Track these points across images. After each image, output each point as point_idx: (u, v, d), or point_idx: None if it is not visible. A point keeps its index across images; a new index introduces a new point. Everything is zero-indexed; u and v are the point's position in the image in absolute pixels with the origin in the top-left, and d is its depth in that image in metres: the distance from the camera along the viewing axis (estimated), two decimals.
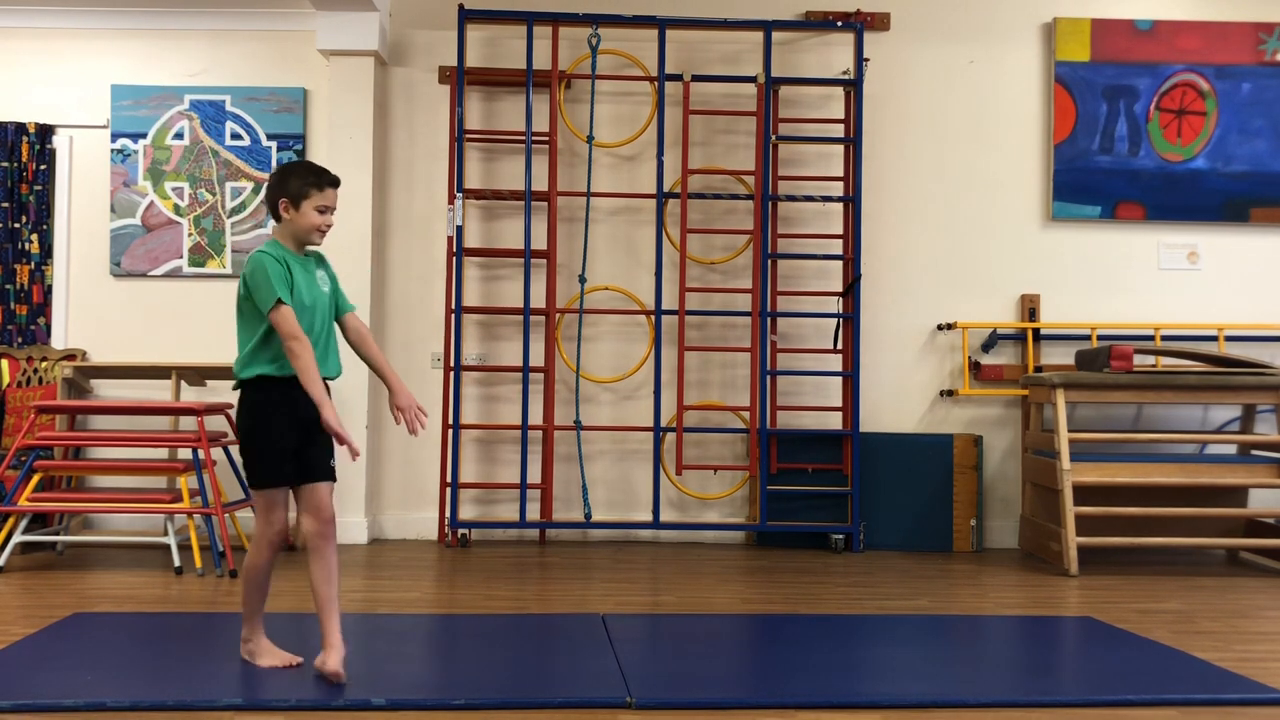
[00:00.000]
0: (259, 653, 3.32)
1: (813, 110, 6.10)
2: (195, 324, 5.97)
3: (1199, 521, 5.52)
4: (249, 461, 3.25)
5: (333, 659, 3.12)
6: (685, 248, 5.85)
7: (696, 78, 5.90)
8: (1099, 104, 6.05)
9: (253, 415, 3.23)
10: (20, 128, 5.95)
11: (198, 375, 5.68)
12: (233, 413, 5.51)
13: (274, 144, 6.00)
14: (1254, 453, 5.73)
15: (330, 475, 3.29)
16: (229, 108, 6.01)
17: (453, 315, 5.81)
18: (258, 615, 3.34)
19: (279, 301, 3.10)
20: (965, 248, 6.08)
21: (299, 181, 3.21)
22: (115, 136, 5.99)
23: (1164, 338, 6.02)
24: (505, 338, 6.02)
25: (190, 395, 5.87)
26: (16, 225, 5.94)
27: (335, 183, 3.29)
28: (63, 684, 3.07)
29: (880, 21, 6.07)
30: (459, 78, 5.79)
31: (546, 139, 5.90)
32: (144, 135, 5.99)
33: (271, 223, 3.37)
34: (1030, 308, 6.04)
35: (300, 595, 4.49)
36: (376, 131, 5.91)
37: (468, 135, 5.90)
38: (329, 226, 3.28)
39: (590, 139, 5.84)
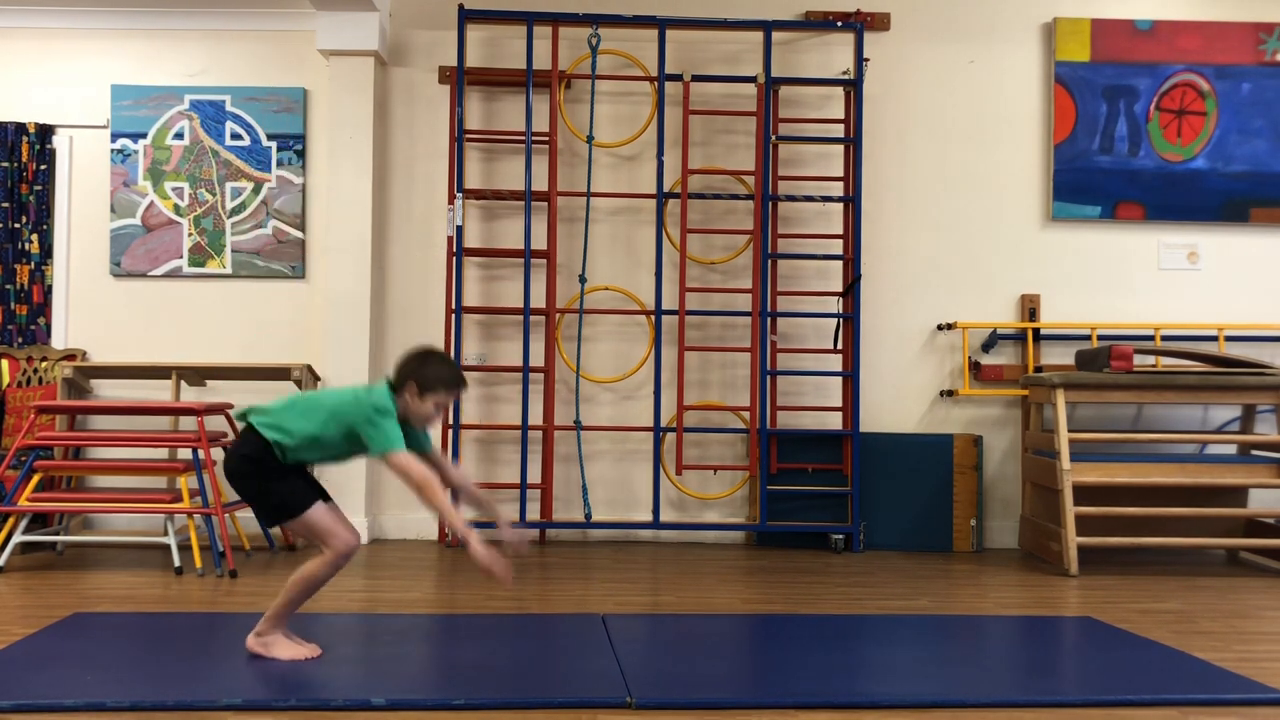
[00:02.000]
0: (274, 644, 3.34)
1: (813, 110, 6.10)
2: (195, 324, 5.97)
3: (1199, 521, 5.52)
4: (272, 502, 3.31)
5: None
6: (685, 248, 5.85)
7: (696, 78, 5.90)
8: (1099, 104, 6.05)
9: (269, 472, 3.28)
10: (20, 128, 5.95)
11: (198, 375, 5.68)
12: (233, 412, 5.53)
13: (274, 144, 6.00)
14: (1254, 453, 5.73)
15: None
16: (229, 108, 6.01)
17: (453, 315, 5.81)
18: (287, 617, 3.38)
19: (394, 453, 3.19)
20: (965, 248, 6.08)
21: (438, 379, 3.27)
22: (115, 136, 5.99)
23: (1164, 338, 6.02)
24: (505, 338, 6.02)
25: (190, 395, 5.86)
26: (16, 225, 5.94)
27: (466, 387, 3.47)
28: (63, 684, 3.07)
29: (880, 21, 6.07)
30: (459, 78, 5.79)
31: (546, 139, 5.90)
32: (144, 135, 5.99)
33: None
34: (1030, 308, 6.04)
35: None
36: (376, 131, 5.91)
37: (468, 135, 5.90)
38: (435, 423, 3.40)
39: (590, 139, 5.84)
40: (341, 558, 3.34)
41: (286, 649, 3.34)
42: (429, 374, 3.25)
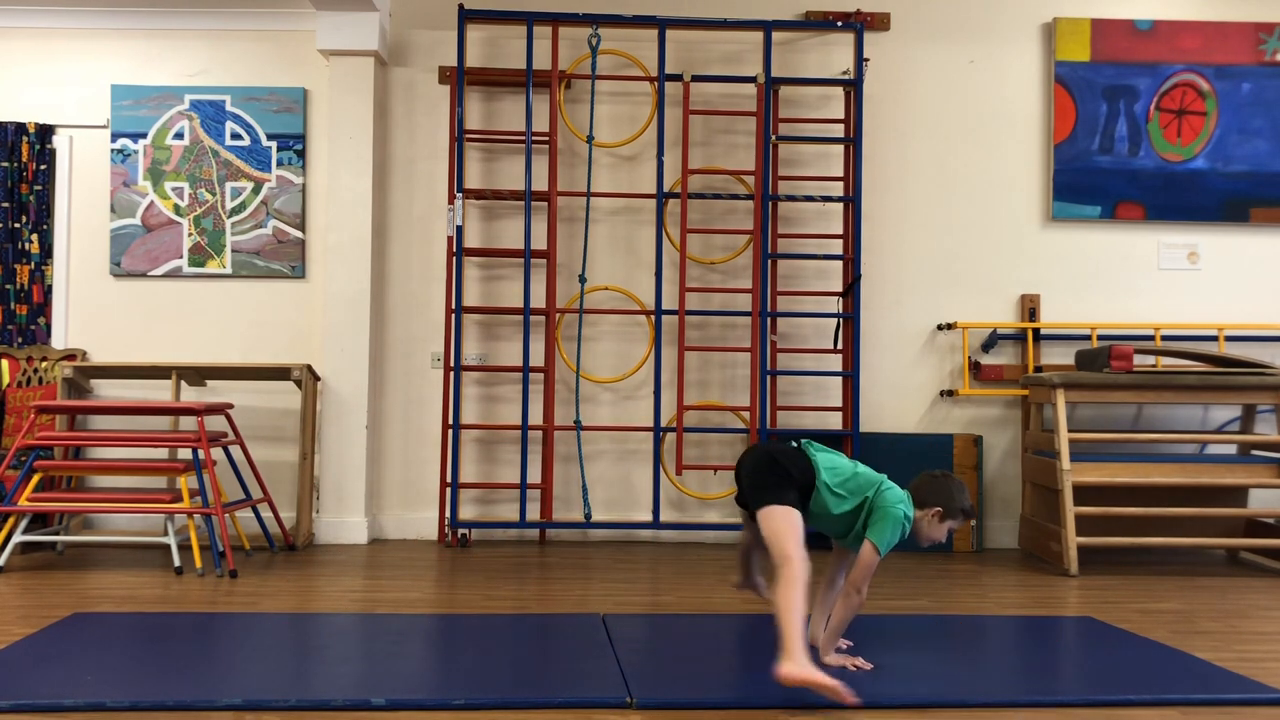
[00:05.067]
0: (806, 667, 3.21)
1: (813, 110, 6.10)
2: (195, 324, 5.97)
3: (1199, 521, 5.52)
4: (774, 482, 3.36)
5: (783, 667, 3.04)
6: (685, 248, 5.86)
7: (696, 78, 5.90)
8: (1099, 104, 6.05)
9: (795, 478, 3.36)
10: (20, 128, 5.95)
11: (198, 375, 5.68)
12: (232, 412, 5.54)
13: (274, 144, 6.00)
14: (1254, 453, 5.73)
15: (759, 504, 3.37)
16: (229, 108, 6.01)
17: (453, 315, 5.81)
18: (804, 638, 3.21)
19: (879, 553, 3.28)
20: (965, 248, 6.08)
21: (962, 510, 3.38)
22: (115, 136, 5.99)
23: (1164, 338, 6.02)
24: (505, 338, 6.02)
25: (190, 395, 5.86)
26: (16, 225, 5.94)
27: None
28: (62, 684, 3.07)
29: (880, 21, 6.07)
30: (459, 78, 5.79)
31: (546, 139, 5.90)
32: (144, 135, 5.99)
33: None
34: (1030, 308, 6.04)
35: (301, 595, 4.49)
36: (376, 131, 5.91)
37: (468, 135, 5.90)
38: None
39: (590, 139, 5.84)
40: (797, 568, 3.21)
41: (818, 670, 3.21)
42: (957, 504, 3.38)
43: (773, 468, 3.38)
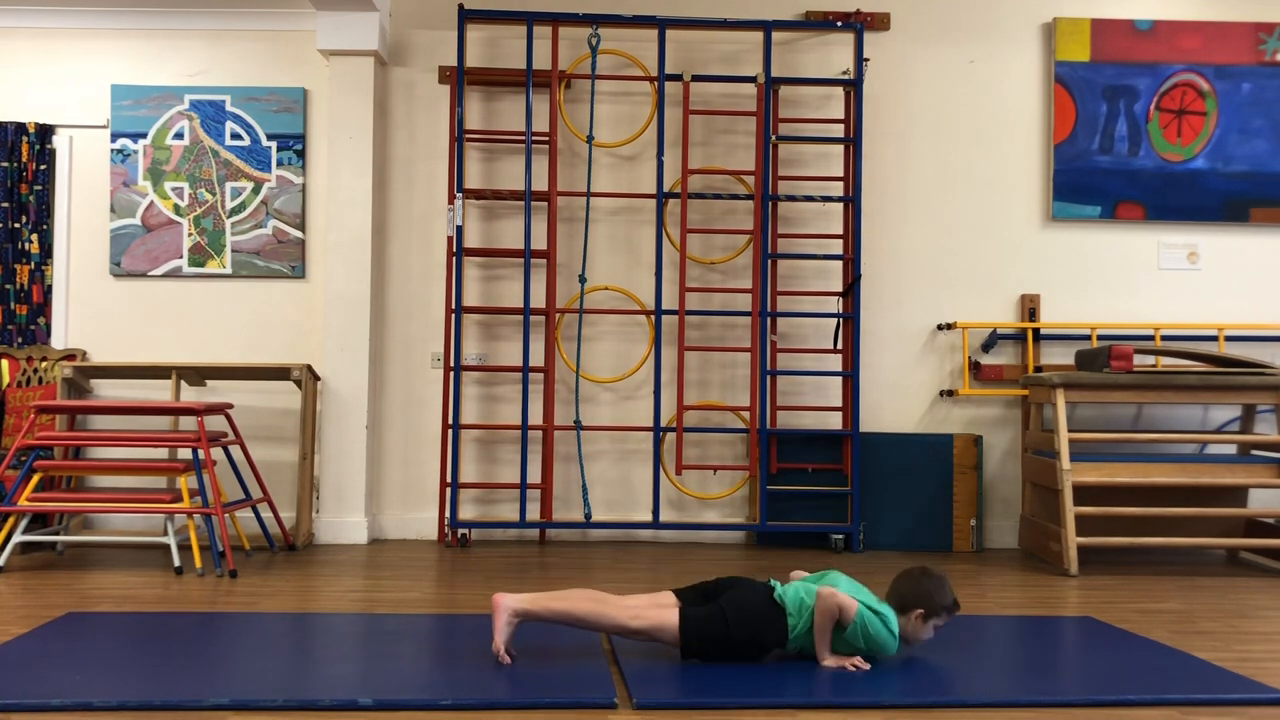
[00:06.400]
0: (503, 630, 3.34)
1: (813, 110, 6.10)
2: (195, 324, 5.97)
3: (1199, 521, 5.51)
4: (733, 637, 3.34)
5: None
6: (685, 248, 5.85)
7: (696, 78, 5.90)
8: (1099, 104, 6.05)
9: (769, 623, 3.37)
10: (20, 128, 5.95)
11: (198, 375, 5.68)
12: (232, 412, 5.54)
13: (274, 144, 6.00)
14: (1254, 453, 5.73)
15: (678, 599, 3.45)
16: (229, 108, 6.01)
17: (453, 315, 5.81)
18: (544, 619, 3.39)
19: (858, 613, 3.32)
20: (965, 248, 6.08)
21: (941, 605, 3.38)
22: (115, 136, 5.99)
23: (1164, 338, 6.02)
24: (505, 338, 6.02)
25: (190, 395, 5.86)
26: (16, 225, 5.94)
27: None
28: (50, 684, 3.05)
29: (880, 21, 6.07)
30: (459, 78, 5.79)
31: (546, 139, 5.90)
32: (144, 135, 5.99)
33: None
34: (1030, 308, 6.04)
35: (301, 595, 4.49)
36: (376, 131, 5.91)
37: (468, 135, 5.90)
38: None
39: (590, 139, 5.84)
40: (634, 630, 3.35)
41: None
42: (938, 602, 3.37)
43: (750, 629, 3.37)
